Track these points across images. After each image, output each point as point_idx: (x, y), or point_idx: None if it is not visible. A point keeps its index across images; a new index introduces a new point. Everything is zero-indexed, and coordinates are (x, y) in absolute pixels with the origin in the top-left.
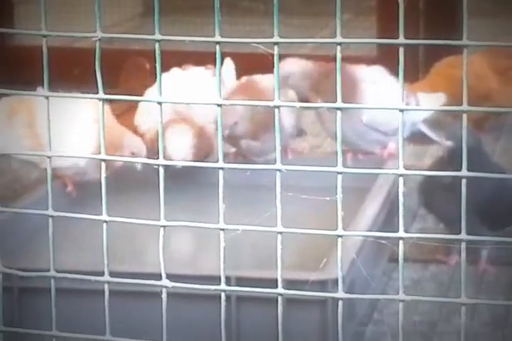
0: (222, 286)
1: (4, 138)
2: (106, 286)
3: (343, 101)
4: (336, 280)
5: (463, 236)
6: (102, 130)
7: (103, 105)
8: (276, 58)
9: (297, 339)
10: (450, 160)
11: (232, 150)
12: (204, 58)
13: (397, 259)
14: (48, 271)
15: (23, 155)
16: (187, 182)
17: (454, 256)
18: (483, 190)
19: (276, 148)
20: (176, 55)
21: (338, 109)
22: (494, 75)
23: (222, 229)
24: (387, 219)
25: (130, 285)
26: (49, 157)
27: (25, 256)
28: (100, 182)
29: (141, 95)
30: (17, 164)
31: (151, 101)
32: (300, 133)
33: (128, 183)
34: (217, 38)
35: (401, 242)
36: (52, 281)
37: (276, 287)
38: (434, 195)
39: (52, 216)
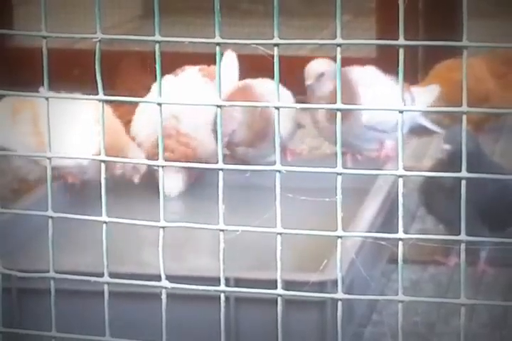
0: (222, 287)
1: (7, 136)
2: (106, 287)
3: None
4: (335, 282)
5: (462, 237)
6: (103, 130)
7: (103, 106)
8: (276, 59)
9: (296, 340)
10: (450, 162)
11: (230, 155)
12: (203, 60)
13: (396, 260)
14: (48, 272)
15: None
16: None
17: (453, 257)
18: (483, 191)
19: (275, 149)
20: (175, 56)
21: (337, 110)
22: (493, 78)
23: (222, 230)
24: (387, 220)
25: (130, 286)
26: (49, 158)
27: (25, 257)
28: (100, 184)
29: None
30: (19, 162)
31: (150, 102)
32: (298, 126)
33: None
34: (218, 39)
35: (400, 243)
36: (52, 282)
37: (275, 288)
38: (434, 196)
39: (52, 217)
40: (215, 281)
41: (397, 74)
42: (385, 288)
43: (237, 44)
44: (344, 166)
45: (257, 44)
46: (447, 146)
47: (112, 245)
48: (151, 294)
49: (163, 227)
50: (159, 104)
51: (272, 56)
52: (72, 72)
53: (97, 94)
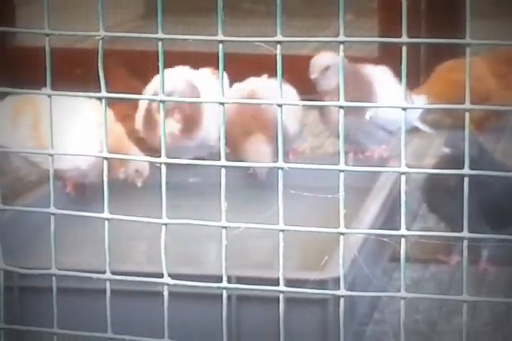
0: (224, 284)
1: (8, 138)
2: (107, 284)
3: (358, 101)
4: (337, 280)
5: (465, 233)
6: (105, 127)
7: (105, 104)
8: (278, 57)
9: (297, 339)
10: (451, 163)
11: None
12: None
13: (398, 259)
14: (50, 269)
15: (26, 156)
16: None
17: (455, 256)
18: (485, 190)
19: (278, 147)
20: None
21: (340, 107)
22: (494, 78)
23: (224, 227)
24: (388, 219)
25: (132, 284)
26: (51, 155)
27: (27, 256)
28: (100, 185)
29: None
30: (18, 164)
31: (153, 99)
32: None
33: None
34: (220, 37)
35: (403, 240)
36: (54, 279)
37: (277, 287)
38: (436, 195)
39: (54, 214)
40: (217, 279)
41: (399, 74)
42: (387, 286)
43: (240, 42)
44: (346, 165)
45: (259, 42)
46: (448, 149)
47: (113, 245)
48: (152, 293)
49: (166, 224)
50: (161, 102)
51: (275, 54)
52: (74, 72)
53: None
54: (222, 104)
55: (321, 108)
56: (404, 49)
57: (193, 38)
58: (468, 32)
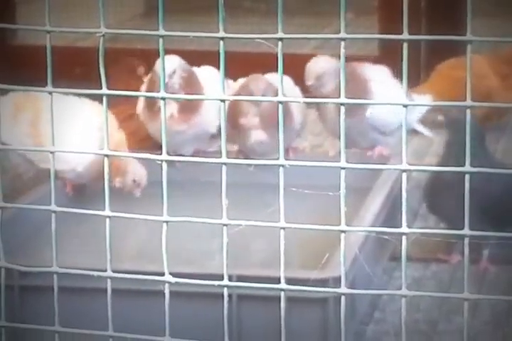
0: (225, 282)
1: (8, 136)
2: (108, 282)
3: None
4: (337, 279)
5: (466, 231)
6: (105, 126)
7: (106, 101)
8: (279, 54)
9: (298, 338)
10: (453, 159)
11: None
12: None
13: (399, 258)
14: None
15: (24, 154)
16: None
17: (456, 255)
18: (486, 189)
19: (279, 144)
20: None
21: (341, 104)
22: (495, 77)
23: (225, 225)
24: (389, 219)
25: (133, 283)
26: (52, 152)
27: (28, 256)
28: (98, 187)
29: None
30: (17, 161)
31: (154, 96)
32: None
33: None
34: (221, 34)
35: (404, 238)
36: (55, 277)
37: (278, 285)
38: (437, 197)
39: (55, 211)
40: (218, 278)
41: (399, 72)
42: (387, 286)
43: (241, 40)
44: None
45: (260, 38)
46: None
47: (113, 245)
48: (153, 292)
49: (167, 222)
50: (163, 99)
51: (276, 52)
52: (75, 71)
53: (100, 94)
54: (222, 101)
55: (318, 108)
56: (405, 45)
57: (194, 34)
58: (469, 28)
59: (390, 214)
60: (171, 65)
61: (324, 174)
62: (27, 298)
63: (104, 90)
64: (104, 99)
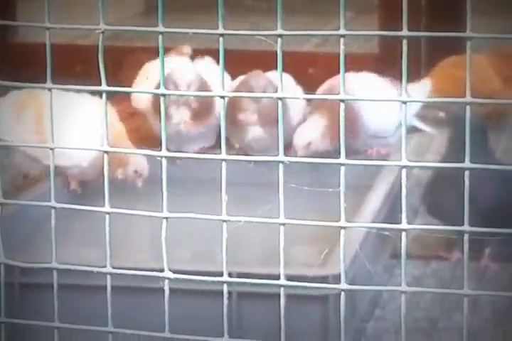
0: (225, 278)
1: (12, 134)
2: (108, 278)
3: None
4: (337, 277)
5: (466, 227)
6: (105, 122)
7: (106, 97)
8: (279, 51)
9: (298, 336)
10: (454, 159)
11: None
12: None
13: (399, 255)
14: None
15: (26, 151)
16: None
17: (456, 252)
18: (487, 189)
19: (279, 140)
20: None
21: (341, 101)
22: (497, 78)
23: (225, 221)
24: (389, 216)
25: (132, 280)
26: (52, 149)
27: (28, 253)
28: (100, 183)
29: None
30: (20, 158)
31: (154, 93)
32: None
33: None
34: (221, 30)
35: (404, 234)
36: (55, 273)
37: (278, 281)
38: (437, 198)
39: (55, 207)
40: (218, 276)
41: (399, 72)
42: (388, 284)
43: (242, 37)
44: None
45: (260, 35)
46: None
47: (114, 244)
48: (153, 289)
49: (166, 218)
50: (163, 95)
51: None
52: (75, 69)
53: (100, 90)
54: (223, 97)
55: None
56: (404, 42)
57: (194, 31)
58: (469, 25)
59: (391, 213)
60: (189, 76)
61: (324, 174)
62: (27, 296)
63: (104, 87)
64: (104, 95)
